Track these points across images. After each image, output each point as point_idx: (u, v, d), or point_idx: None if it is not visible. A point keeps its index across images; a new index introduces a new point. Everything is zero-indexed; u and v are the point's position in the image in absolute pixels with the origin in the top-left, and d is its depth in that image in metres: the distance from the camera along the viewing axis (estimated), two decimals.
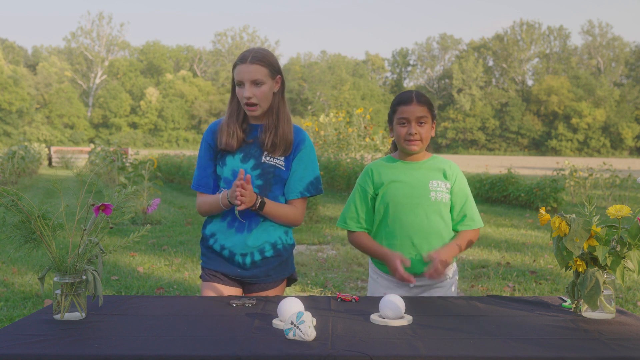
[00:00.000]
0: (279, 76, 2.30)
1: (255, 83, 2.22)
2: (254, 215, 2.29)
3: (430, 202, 2.29)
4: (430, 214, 2.29)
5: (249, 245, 2.30)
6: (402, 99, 2.30)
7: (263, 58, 2.23)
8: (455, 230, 2.36)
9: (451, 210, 2.34)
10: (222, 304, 2.02)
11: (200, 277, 2.45)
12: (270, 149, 2.29)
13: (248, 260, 2.32)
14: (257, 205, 2.21)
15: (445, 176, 2.34)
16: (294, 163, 2.33)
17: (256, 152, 2.31)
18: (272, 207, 2.26)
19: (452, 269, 2.41)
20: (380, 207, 2.32)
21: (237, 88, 2.27)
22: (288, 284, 2.46)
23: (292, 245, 2.42)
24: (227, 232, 2.32)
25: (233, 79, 2.29)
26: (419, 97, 2.28)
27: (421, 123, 2.28)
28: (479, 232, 2.38)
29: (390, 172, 2.34)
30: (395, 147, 2.45)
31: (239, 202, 2.14)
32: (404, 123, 2.28)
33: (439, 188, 2.31)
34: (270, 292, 2.36)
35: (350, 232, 2.41)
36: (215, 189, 2.36)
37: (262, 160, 2.30)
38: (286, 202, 2.35)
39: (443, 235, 2.31)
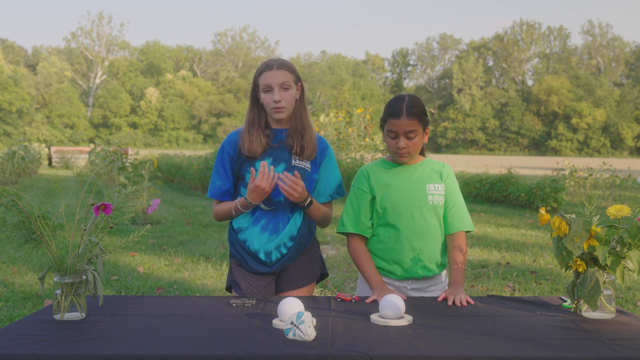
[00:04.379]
0: (300, 83, 2.39)
1: (284, 87, 2.31)
2: (289, 213, 2.35)
3: (427, 205, 2.27)
4: (429, 217, 2.27)
5: (277, 241, 2.35)
6: (392, 111, 2.21)
7: (287, 65, 2.35)
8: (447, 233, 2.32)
9: (444, 211, 2.32)
10: (222, 304, 2.02)
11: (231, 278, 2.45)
12: (299, 153, 2.36)
13: (274, 257, 2.36)
14: (307, 202, 2.32)
15: (441, 178, 2.33)
16: (322, 168, 2.44)
17: (285, 156, 2.37)
18: (316, 204, 2.38)
19: (444, 272, 2.41)
20: (379, 210, 2.30)
21: (263, 94, 2.32)
22: (320, 279, 2.50)
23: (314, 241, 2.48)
24: (260, 236, 2.35)
25: (253, 88, 2.37)
26: (409, 109, 2.19)
27: (410, 138, 2.22)
28: (464, 234, 2.32)
29: (386, 176, 2.32)
30: None
31: (290, 197, 2.23)
32: (393, 137, 2.23)
33: (436, 191, 2.29)
34: (303, 289, 2.39)
35: (348, 236, 2.35)
36: (233, 197, 2.42)
37: (293, 163, 2.36)
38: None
39: (441, 238, 2.30)
